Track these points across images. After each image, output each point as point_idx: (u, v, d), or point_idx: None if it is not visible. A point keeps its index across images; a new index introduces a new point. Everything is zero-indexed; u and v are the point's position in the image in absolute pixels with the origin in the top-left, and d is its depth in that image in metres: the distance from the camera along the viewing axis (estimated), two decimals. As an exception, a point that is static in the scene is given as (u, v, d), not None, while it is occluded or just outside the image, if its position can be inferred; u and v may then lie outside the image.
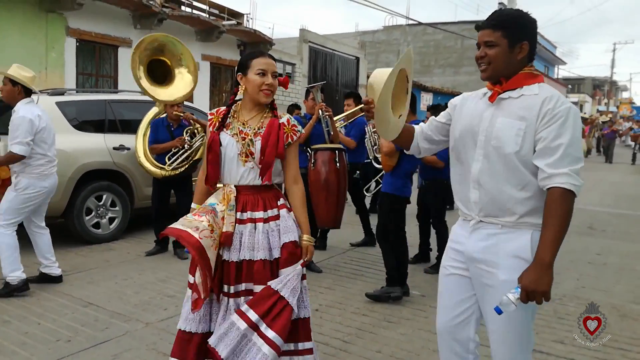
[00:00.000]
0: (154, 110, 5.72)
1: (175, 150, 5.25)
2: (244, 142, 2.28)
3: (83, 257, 5.18)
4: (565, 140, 1.74)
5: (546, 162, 1.75)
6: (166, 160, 5.26)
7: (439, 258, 4.97)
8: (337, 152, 4.70)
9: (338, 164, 4.65)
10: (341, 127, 5.59)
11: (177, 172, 5.24)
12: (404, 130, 2.11)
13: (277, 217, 2.31)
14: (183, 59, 5.53)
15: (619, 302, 4.20)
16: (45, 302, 3.87)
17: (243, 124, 2.32)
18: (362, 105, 2.14)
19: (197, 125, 5.33)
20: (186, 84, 5.50)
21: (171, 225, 2.19)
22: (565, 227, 1.74)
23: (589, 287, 4.58)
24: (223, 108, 2.39)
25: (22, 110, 3.86)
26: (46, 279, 4.26)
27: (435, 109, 6.58)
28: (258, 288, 2.21)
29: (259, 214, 2.28)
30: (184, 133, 5.29)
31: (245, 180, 2.29)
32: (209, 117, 2.38)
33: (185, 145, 5.25)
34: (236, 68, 2.38)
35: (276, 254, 2.26)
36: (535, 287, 1.69)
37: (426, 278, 4.74)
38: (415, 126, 2.21)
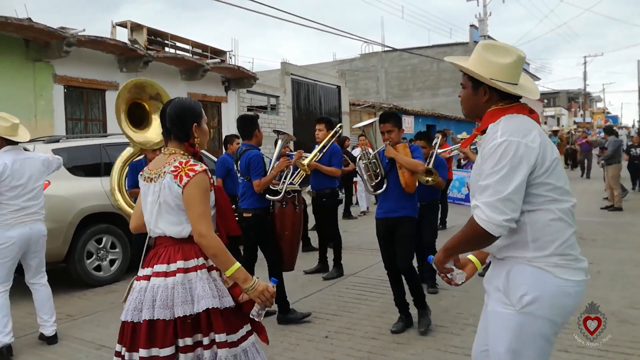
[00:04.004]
0: (128, 151, 5.57)
1: None
2: None
3: (88, 300, 5.21)
4: (486, 173, 1.78)
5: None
6: None
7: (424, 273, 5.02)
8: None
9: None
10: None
11: None
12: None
13: None
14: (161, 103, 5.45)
15: (616, 308, 4.33)
16: (58, 348, 3.90)
17: None
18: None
19: None
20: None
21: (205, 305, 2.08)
22: (464, 245, 1.91)
23: (586, 295, 4.67)
24: (186, 159, 2.17)
25: None
26: (42, 338, 3.95)
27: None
28: None
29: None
30: None
31: None
32: (174, 167, 2.14)
33: None
34: (186, 116, 2.21)
35: None
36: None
37: (429, 298, 4.83)
38: None
